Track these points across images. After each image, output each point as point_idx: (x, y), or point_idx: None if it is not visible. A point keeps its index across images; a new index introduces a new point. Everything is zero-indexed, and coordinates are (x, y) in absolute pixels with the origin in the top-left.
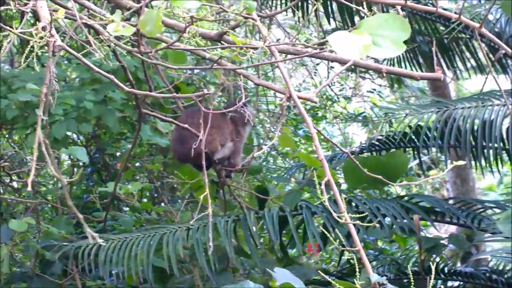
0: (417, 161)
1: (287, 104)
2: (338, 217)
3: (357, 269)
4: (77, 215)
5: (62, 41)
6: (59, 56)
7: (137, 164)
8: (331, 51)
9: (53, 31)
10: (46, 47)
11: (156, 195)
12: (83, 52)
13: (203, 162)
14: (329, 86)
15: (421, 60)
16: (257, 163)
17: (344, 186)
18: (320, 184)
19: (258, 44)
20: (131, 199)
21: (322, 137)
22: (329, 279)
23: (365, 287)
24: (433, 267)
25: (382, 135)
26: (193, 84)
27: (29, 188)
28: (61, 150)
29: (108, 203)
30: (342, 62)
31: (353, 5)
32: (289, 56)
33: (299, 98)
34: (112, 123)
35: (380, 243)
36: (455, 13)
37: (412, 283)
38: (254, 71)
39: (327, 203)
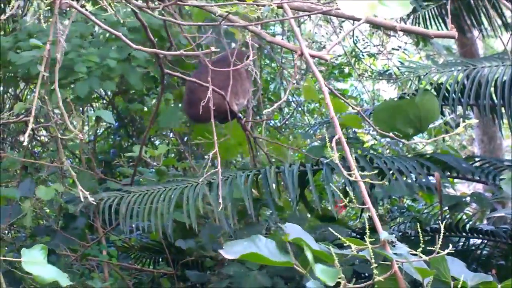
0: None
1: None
2: (348, 174)
3: (367, 227)
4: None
5: None
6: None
7: None
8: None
9: None
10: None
11: (182, 149)
12: (97, 6)
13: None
14: (355, 44)
15: (446, 18)
16: None
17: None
18: (331, 141)
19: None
20: (157, 161)
21: (347, 94)
22: (339, 236)
23: (376, 245)
24: (448, 225)
25: (405, 93)
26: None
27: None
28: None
29: (135, 165)
30: (355, 20)
31: None
32: (300, 13)
33: (311, 56)
34: (135, 80)
35: (405, 200)
36: None
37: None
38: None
39: (337, 161)
